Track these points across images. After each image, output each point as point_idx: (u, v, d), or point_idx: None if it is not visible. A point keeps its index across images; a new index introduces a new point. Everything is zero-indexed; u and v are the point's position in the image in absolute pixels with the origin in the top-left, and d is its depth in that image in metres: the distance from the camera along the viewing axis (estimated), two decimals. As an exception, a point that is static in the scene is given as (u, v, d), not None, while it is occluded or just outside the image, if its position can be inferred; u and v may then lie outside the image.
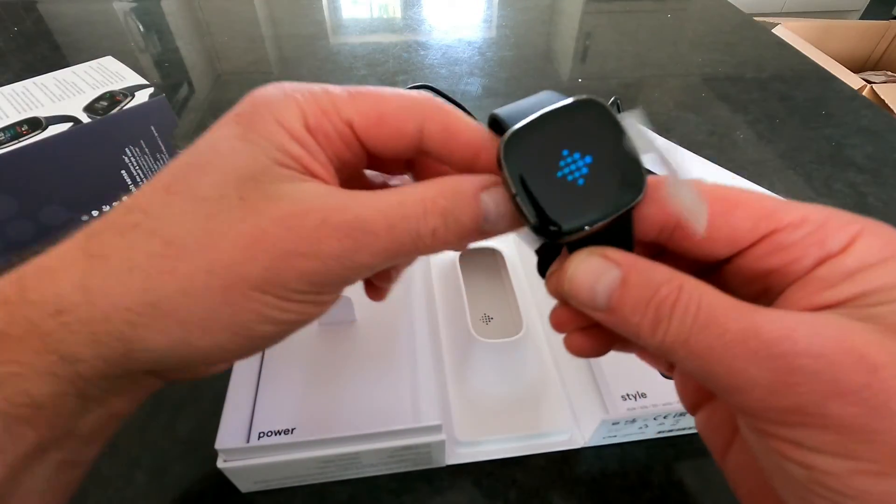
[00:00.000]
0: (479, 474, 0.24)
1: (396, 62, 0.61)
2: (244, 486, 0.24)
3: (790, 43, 0.66)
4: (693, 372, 0.14)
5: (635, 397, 0.26)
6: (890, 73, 1.43)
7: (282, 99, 0.16)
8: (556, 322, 0.18)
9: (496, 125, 0.16)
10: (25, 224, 0.33)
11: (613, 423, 0.24)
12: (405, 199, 0.16)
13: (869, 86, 1.15)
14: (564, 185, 0.15)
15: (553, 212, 0.15)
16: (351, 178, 0.19)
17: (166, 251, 0.14)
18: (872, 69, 1.50)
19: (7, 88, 0.36)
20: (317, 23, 0.73)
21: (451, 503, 0.24)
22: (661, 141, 0.40)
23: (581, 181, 0.15)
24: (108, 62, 0.40)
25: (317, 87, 0.17)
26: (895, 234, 0.14)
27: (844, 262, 0.13)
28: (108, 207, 0.37)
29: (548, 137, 0.15)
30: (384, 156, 0.18)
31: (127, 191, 0.37)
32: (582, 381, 0.28)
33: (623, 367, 0.27)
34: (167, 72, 0.59)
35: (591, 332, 0.18)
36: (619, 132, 0.15)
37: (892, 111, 1.04)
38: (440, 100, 0.17)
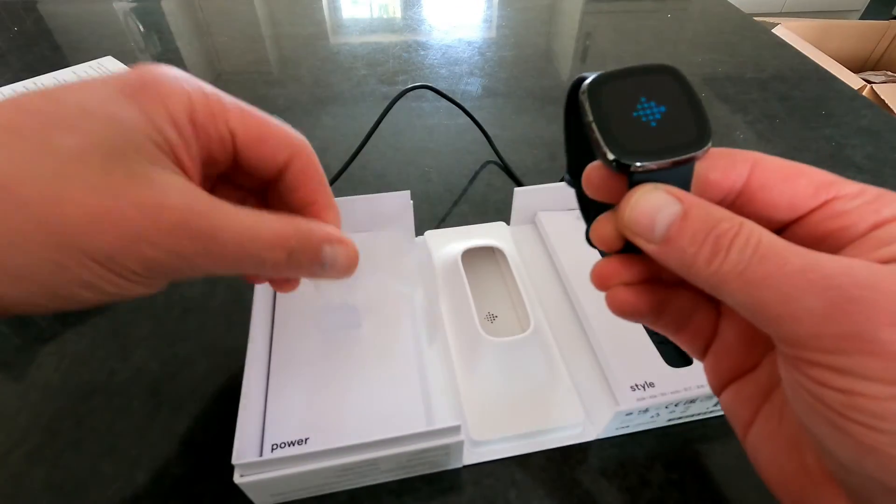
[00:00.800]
0: (479, 475, 0.25)
1: (396, 62, 0.61)
2: (260, 501, 0.23)
3: (790, 43, 0.66)
4: (742, 304, 0.14)
5: (644, 387, 0.26)
6: (890, 73, 1.43)
7: (174, 84, 0.17)
8: (600, 275, 0.18)
9: (577, 88, 0.18)
10: (25, 224, 0.33)
11: (627, 414, 0.24)
12: (261, 226, 0.18)
13: (869, 86, 1.15)
14: (639, 123, 0.16)
15: (626, 143, 0.16)
16: (206, 180, 0.20)
17: None
18: (872, 69, 1.50)
19: (7, 88, 0.36)
20: (317, 23, 0.73)
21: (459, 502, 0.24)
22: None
23: (654, 124, 0.16)
24: (108, 62, 0.40)
25: (210, 89, 0.18)
26: None
27: (887, 232, 0.14)
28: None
29: (630, 84, 0.17)
30: (250, 172, 0.20)
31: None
32: (590, 375, 0.28)
33: (630, 359, 0.27)
34: (167, 72, 0.59)
35: (635, 288, 0.18)
36: (692, 95, 0.17)
37: (892, 111, 1.04)
38: (311, 149, 0.20)
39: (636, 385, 0.26)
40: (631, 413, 0.24)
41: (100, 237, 0.15)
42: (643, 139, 0.16)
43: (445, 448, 0.23)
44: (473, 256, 0.32)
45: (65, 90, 0.16)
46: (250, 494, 0.22)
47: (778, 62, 0.61)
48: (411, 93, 0.54)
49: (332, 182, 0.39)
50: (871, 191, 0.15)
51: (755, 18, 0.76)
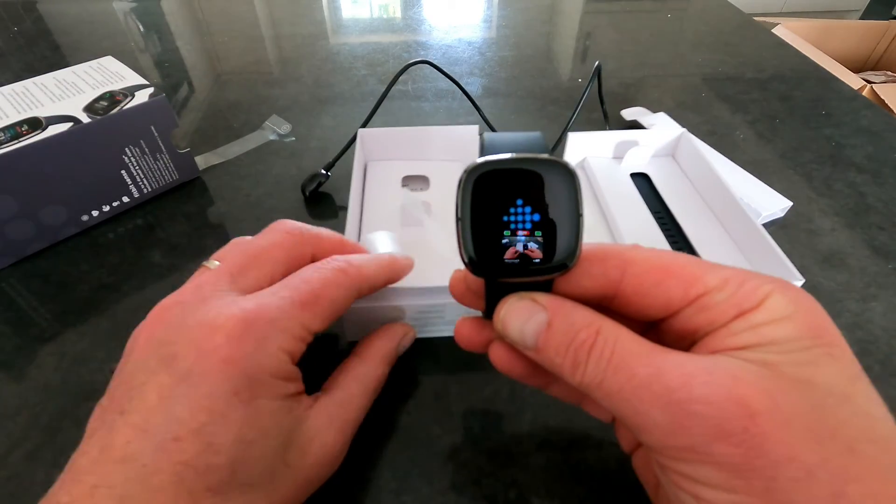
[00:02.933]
0: (479, 474, 0.25)
1: (396, 62, 0.61)
2: (351, 334, 0.28)
3: (790, 43, 0.66)
4: (610, 410, 0.16)
5: None
6: (890, 73, 1.43)
7: (272, 355, 0.18)
8: (459, 335, 0.20)
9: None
10: (25, 224, 0.33)
11: None
12: (368, 385, 0.23)
13: (869, 86, 1.15)
14: (507, 230, 0.16)
15: (479, 250, 0.16)
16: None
17: None
18: (872, 69, 1.50)
19: (7, 88, 0.36)
20: (317, 23, 0.73)
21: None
22: (699, 146, 0.40)
23: (521, 235, 0.16)
24: (108, 62, 0.40)
25: (287, 322, 0.19)
26: (802, 294, 0.16)
27: (755, 317, 0.15)
28: (107, 208, 0.37)
29: (509, 182, 0.15)
30: None
31: (127, 191, 0.38)
32: None
33: None
34: (167, 72, 0.59)
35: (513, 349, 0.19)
36: (572, 202, 0.16)
37: (892, 111, 1.04)
38: (357, 265, 0.22)
39: None
40: None
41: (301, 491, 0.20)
42: (506, 250, 0.16)
43: None
44: None
45: (207, 426, 0.17)
46: (345, 326, 0.28)
47: (778, 62, 0.61)
48: (411, 93, 0.54)
49: (327, 169, 0.39)
50: (735, 279, 0.16)
51: (755, 18, 0.76)
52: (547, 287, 0.17)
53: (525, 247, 0.16)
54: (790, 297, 0.15)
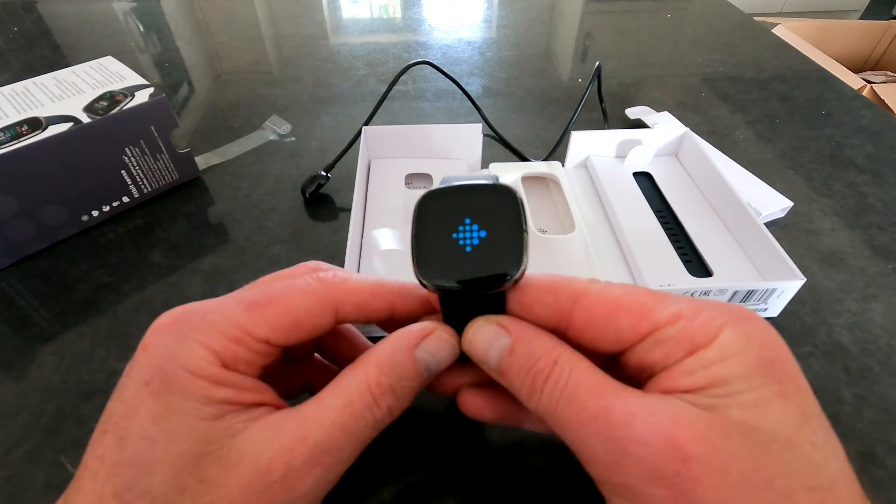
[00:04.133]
0: (479, 474, 0.24)
1: (396, 62, 0.61)
2: None
3: (790, 43, 0.66)
4: (562, 439, 0.16)
5: (667, 287, 0.29)
6: (890, 73, 1.43)
7: (188, 348, 0.16)
8: (465, 404, 0.20)
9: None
10: (25, 224, 0.33)
11: None
12: (350, 395, 0.17)
13: (869, 86, 1.15)
14: (455, 247, 0.17)
15: (429, 262, 0.17)
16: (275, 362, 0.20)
17: None
18: (872, 69, 1.50)
19: (7, 88, 0.36)
20: (317, 23, 0.73)
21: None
22: (705, 148, 0.40)
23: (469, 249, 0.17)
24: (108, 62, 0.40)
25: (217, 317, 0.17)
26: (756, 326, 0.16)
27: (707, 354, 0.15)
28: (107, 208, 0.37)
29: (458, 203, 0.17)
30: (304, 348, 0.21)
31: (127, 191, 0.37)
32: (620, 276, 0.32)
33: (657, 263, 0.32)
34: (167, 72, 0.59)
35: (482, 392, 0.20)
36: (517, 222, 0.17)
37: (892, 111, 1.04)
38: (342, 276, 0.19)
39: (660, 286, 0.30)
40: None
41: None
42: (454, 263, 0.16)
43: None
44: (530, 185, 0.39)
45: (116, 422, 0.16)
46: None
47: (778, 62, 0.61)
48: (411, 93, 0.54)
49: (327, 171, 0.39)
50: (687, 312, 0.16)
51: (755, 18, 0.76)
52: (500, 305, 0.18)
53: (473, 260, 0.17)
54: (743, 332, 0.15)
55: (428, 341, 0.18)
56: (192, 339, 0.16)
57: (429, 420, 0.26)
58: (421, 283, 0.17)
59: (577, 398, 0.15)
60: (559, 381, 0.16)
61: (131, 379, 0.16)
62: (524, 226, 0.17)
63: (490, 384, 0.19)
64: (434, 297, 0.19)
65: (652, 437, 0.14)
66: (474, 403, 0.20)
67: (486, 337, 0.17)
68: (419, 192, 0.37)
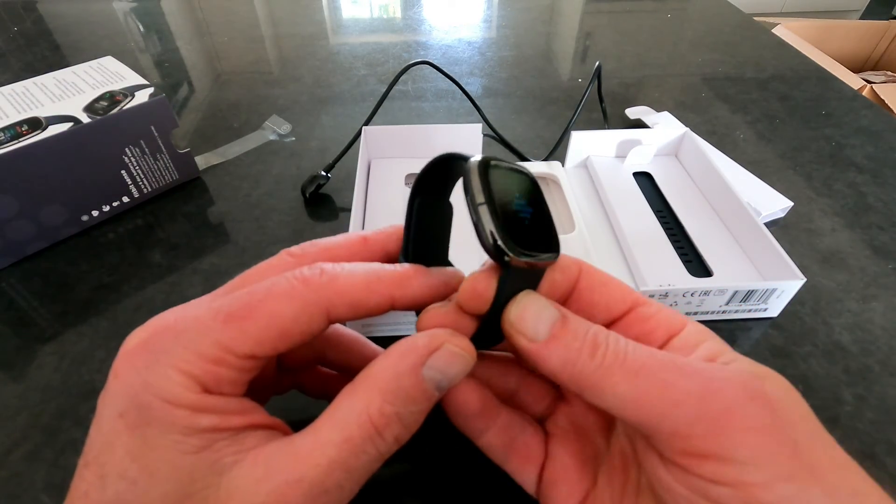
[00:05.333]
0: (479, 474, 0.24)
1: (396, 62, 0.61)
2: None
3: (790, 43, 0.66)
4: (624, 396, 0.15)
5: (667, 286, 0.29)
6: (890, 73, 1.43)
7: (163, 373, 0.14)
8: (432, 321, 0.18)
9: (445, 164, 0.18)
10: (25, 224, 0.33)
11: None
12: (349, 429, 0.15)
13: (869, 86, 1.15)
14: (517, 218, 0.16)
15: (510, 233, 0.16)
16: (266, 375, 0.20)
17: None
18: (872, 69, 1.50)
19: (7, 88, 0.36)
20: (317, 23, 0.73)
21: None
22: (707, 149, 0.40)
23: (527, 222, 0.17)
24: (108, 62, 0.40)
25: (193, 335, 0.15)
26: (698, 325, 0.17)
27: (686, 338, 0.17)
28: (107, 208, 0.37)
29: (508, 177, 0.17)
30: (295, 356, 0.21)
31: (127, 191, 0.37)
32: (620, 276, 0.33)
33: (657, 263, 0.32)
34: (167, 72, 0.59)
35: (478, 388, 0.19)
36: (545, 204, 0.18)
37: (892, 111, 1.04)
38: (330, 273, 0.16)
39: (660, 285, 0.30)
40: (653, 296, 0.28)
41: None
42: (521, 234, 0.16)
43: None
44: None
45: (100, 462, 0.14)
46: None
47: (778, 62, 0.61)
48: (411, 93, 0.54)
49: (327, 171, 0.39)
50: (657, 304, 0.18)
51: (755, 18, 0.76)
52: (536, 281, 0.18)
53: (532, 232, 0.17)
54: (696, 327, 0.17)
55: (437, 357, 0.16)
56: (166, 363, 0.14)
57: (428, 420, 0.26)
58: (496, 251, 0.15)
59: (642, 350, 0.16)
60: (619, 340, 0.16)
61: (106, 409, 0.15)
62: (549, 211, 0.18)
63: (474, 376, 0.19)
64: (487, 273, 0.17)
65: (733, 385, 0.14)
66: (461, 388, 0.18)
67: (538, 305, 0.17)
68: None
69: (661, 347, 0.17)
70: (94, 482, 0.14)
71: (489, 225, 0.15)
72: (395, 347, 0.16)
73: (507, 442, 0.19)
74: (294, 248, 0.18)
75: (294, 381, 0.22)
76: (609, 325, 0.18)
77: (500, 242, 0.15)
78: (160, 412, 0.14)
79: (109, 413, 0.14)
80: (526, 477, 0.20)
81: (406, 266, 0.18)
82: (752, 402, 0.14)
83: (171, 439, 0.14)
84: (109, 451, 0.14)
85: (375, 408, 0.15)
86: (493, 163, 0.16)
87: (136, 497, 0.14)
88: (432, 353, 0.16)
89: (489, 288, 0.17)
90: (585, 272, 0.18)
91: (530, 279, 0.17)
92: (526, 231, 0.16)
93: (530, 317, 0.16)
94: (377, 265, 0.17)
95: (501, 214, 0.15)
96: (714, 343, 0.17)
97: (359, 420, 0.15)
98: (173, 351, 0.15)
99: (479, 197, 0.15)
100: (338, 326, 0.22)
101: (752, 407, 0.14)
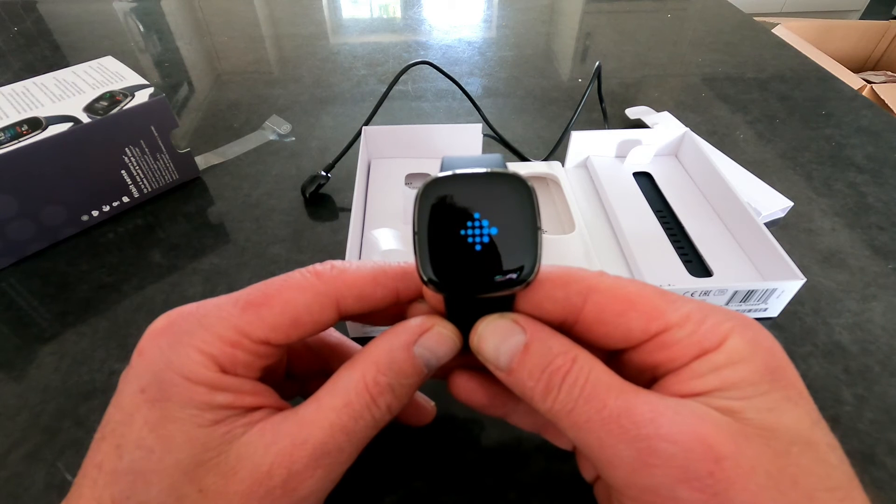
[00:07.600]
0: (479, 474, 0.24)
1: (396, 62, 0.61)
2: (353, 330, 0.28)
3: (790, 43, 0.66)
4: (575, 441, 0.15)
5: (666, 286, 0.29)
6: (890, 73, 1.43)
7: (185, 353, 0.16)
8: (456, 386, 0.19)
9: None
10: (25, 224, 0.33)
11: None
12: (348, 396, 0.16)
13: (869, 86, 1.15)
14: (464, 245, 0.15)
15: (434, 263, 0.15)
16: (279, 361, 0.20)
17: None
18: (872, 69, 1.50)
19: (7, 88, 0.36)
20: (317, 23, 0.73)
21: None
22: (705, 148, 0.40)
23: (479, 247, 0.15)
24: (108, 62, 0.40)
25: (214, 319, 0.16)
26: (761, 333, 0.16)
27: (715, 358, 0.15)
28: (107, 208, 0.37)
29: (466, 194, 0.15)
30: (302, 364, 0.21)
31: (127, 191, 0.37)
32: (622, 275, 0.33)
33: (657, 263, 0.32)
34: (167, 72, 0.59)
35: (476, 377, 0.19)
36: (531, 215, 0.15)
37: (892, 111, 1.04)
38: (340, 267, 0.18)
39: (660, 286, 0.29)
40: None
41: None
42: (463, 264, 0.15)
43: None
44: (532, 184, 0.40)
45: (114, 430, 0.15)
46: None
47: (778, 62, 0.61)
48: (411, 93, 0.54)
49: (327, 171, 0.39)
50: (696, 316, 0.16)
51: (755, 18, 0.76)
52: (508, 305, 0.17)
53: (484, 260, 0.15)
54: (749, 338, 0.15)
55: (427, 337, 0.17)
56: (188, 343, 0.16)
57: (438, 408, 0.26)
58: (424, 283, 0.16)
59: (597, 396, 0.15)
60: (578, 379, 0.15)
61: (128, 385, 0.16)
62: (538, 223, 0.15)
63: (483, 368, 0.19)
64: (438, 297, 0.18)
65: (682, 434, 0.13)
66: (466, 386, 0.19)
67: (499, 333, 0.16)
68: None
69: (681, 368, 0.16)
70: (109, 452, 0.15)
71: (416, 255, 0.16)
72: (391, 328, 0.18)
73: (534, 420, 0.20)
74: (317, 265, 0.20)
75: (300, 389, 0.23)
76: (629, 350, 0.17)
77: (421, 274, 0.16)
78: (180, 388, 0.15)
79: (131, 389, 0.15)
80: (560, 443, 0.21)
81: (411, 262, 0.18)
82: (685, 483, 0.13)
83: (188, 413, 0.15)
84: (128, 422, 0.15)
85: (371, 377, 0.17)
86: (449, 181, 0.15)
87: (151, 465, 0.15)
88: (424, 333, 0.17)
89: (439, 305, 0.18)
90: (593, 300, 0.16)
91: (496, 302, 0.17)
92: (480, 258, 0.15)
93: (488, 348, 0.17)
94: (385, 262, 0.19)
95: (434, 243, 0.15)
96: (735, 372, 0.15)
97: (356, 387, 0.16)
98: (195, 333, 0.16)
99: (413, 225, 0.16)
100: (344, 339, 0.22)
101: (685, 489, 0.13)
